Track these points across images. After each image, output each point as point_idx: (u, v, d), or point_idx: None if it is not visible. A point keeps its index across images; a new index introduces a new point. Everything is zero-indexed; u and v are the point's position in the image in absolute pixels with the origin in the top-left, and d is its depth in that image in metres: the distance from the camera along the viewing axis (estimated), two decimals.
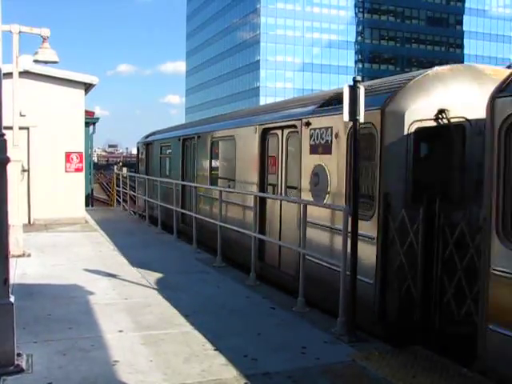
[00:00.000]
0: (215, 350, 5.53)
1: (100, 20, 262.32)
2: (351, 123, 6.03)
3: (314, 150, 7.77)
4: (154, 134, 19.23)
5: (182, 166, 14.85)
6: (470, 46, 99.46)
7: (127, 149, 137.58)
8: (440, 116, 6.16)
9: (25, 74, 13.73)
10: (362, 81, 6.09)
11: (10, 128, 10.86)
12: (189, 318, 6.59)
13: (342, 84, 6.21)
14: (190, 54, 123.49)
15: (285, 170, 8.90)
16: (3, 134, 4.94)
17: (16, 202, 9.98)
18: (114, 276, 8.89)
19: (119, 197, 22.70)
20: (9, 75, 11.37)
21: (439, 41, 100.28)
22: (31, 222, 15.11)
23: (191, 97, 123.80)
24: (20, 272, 8.97)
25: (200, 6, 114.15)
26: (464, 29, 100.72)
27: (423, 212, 5.70)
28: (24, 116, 12.87)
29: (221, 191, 10.46)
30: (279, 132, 9.11)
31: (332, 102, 7.59)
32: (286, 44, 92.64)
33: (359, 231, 5.93)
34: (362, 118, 5.90)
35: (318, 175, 7.60)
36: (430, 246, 5.68)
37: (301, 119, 8.13)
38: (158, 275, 9.05)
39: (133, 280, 8.64)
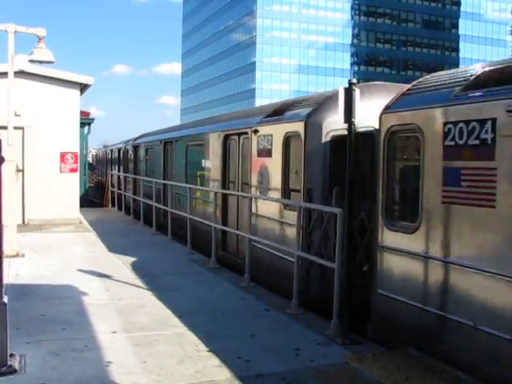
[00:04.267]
0: (209, 351, 5.52)
1: (96, 20, 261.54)
2: None
3: None
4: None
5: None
6: (465, 50, 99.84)
7: None
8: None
9: (20, 73, 13.70)
10: (358, 83, 6.12)
11: (5, 128, 10.87)
12: (182, 319, 6.59)
13: (338, 86, 6.21)
14: (186, 55, 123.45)
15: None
16: None
17: (10, 202, 9.93)
18: (107, 277, 8.88)
19: (113, 197, 22.62)
20: (4, 75, 11.39)
21: (435, 44, 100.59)
22: (25, 223, 15.07)
23: (187, 98, 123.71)
24: (14, 272, 8.94)
25: (196, 8, 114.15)
26: (460, 32, 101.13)
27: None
28: (19, 116, 12.84)
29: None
30: None
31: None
32: (282, 46, 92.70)
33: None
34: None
35: None
36: None
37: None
38: (152, 276, 9.05)
39: (127, 281, 8.63)
